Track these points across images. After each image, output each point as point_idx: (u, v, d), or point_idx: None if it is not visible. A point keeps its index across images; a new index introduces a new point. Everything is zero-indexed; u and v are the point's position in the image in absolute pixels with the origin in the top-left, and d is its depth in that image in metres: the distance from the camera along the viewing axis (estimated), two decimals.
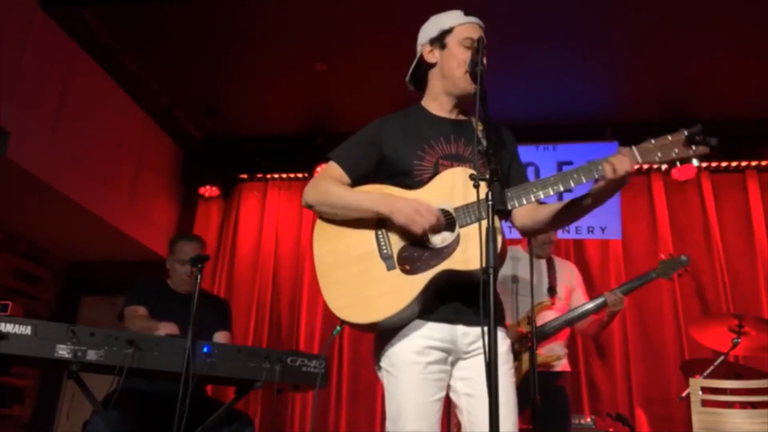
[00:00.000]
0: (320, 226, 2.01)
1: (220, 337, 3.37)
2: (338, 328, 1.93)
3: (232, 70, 4.73)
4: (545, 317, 3.35)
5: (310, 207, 2.02)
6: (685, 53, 4.30)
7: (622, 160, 1.72)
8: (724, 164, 5.06)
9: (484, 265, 1.68)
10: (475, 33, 2.00)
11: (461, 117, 2.08)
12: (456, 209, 1.87)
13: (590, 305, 3.38)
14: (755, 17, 3.90)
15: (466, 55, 1.95)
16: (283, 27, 4.23)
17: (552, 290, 3.40)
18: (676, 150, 1.74)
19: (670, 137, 1.75)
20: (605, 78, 4.67)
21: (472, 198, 1.81)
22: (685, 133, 1.73)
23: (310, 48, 4.43)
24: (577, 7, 3.95)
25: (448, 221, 1.88)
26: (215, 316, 3.42)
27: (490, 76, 1.97)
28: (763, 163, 5.00)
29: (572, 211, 1.89)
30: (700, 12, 3.91)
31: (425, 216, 1.83)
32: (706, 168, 5.04)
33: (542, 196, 1.81)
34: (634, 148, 1.76)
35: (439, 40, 2.03)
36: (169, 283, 3.47)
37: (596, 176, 1.76)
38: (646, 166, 4.95)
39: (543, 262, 3.53)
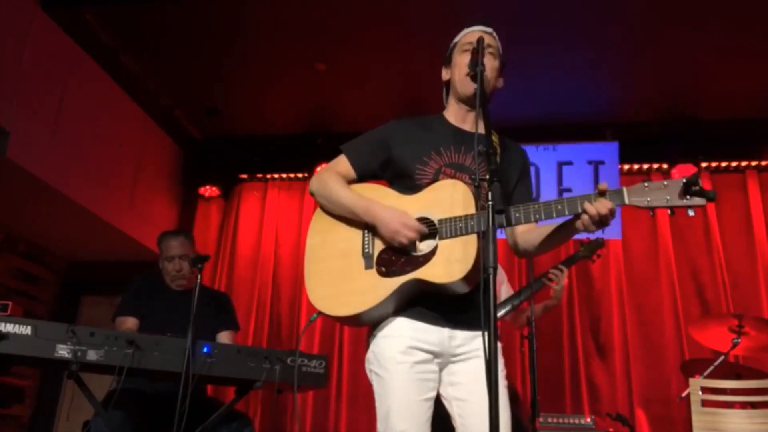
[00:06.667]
0: (318, 215, 2.07)
1: (224, 337, 3.35)
2: (315, 315, 1.99)
3: (232, 70, 4.72)
4: None
5: (312, 195, 2.08)
6: (685, 53, 4.30)
7: (604, 204, 1.71)
8: (724, 164, 5.06)
9: (450, 280, 1.79)
10: (475, 37, 1.99)
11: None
12: (440, 221, 1.86)
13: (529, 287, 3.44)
14: (755, 17, 3.90)
15: (466, 60, 1.96)
16: (283, 27, 4.23)
17: None
18: (669, 197, 1.70)
19: (665, 183, 1.71)
20: (605, 78, 4.67)
21: (469, 213, 1.82)
22: (683, 181, 1.69)
23: (310, 48, 4.43)
24: (577, 7, 3.95)
25: (431, 231, 1.88)
26: (215, 312, 3.38)
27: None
28: (763, 163, 5.00)
29: (561, 235, 1.90)
30: (700, 12, 3.91)
31: (405, 233, 1.86)
32: (706, 168, 5.04)
33: (523, 221, 1.82)
34: (624, 188, 1.74)
35: (448, 59, 2.10)
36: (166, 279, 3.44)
37: (579, 211, 1.75)
38: (646, 166, 4.97)
39: None
